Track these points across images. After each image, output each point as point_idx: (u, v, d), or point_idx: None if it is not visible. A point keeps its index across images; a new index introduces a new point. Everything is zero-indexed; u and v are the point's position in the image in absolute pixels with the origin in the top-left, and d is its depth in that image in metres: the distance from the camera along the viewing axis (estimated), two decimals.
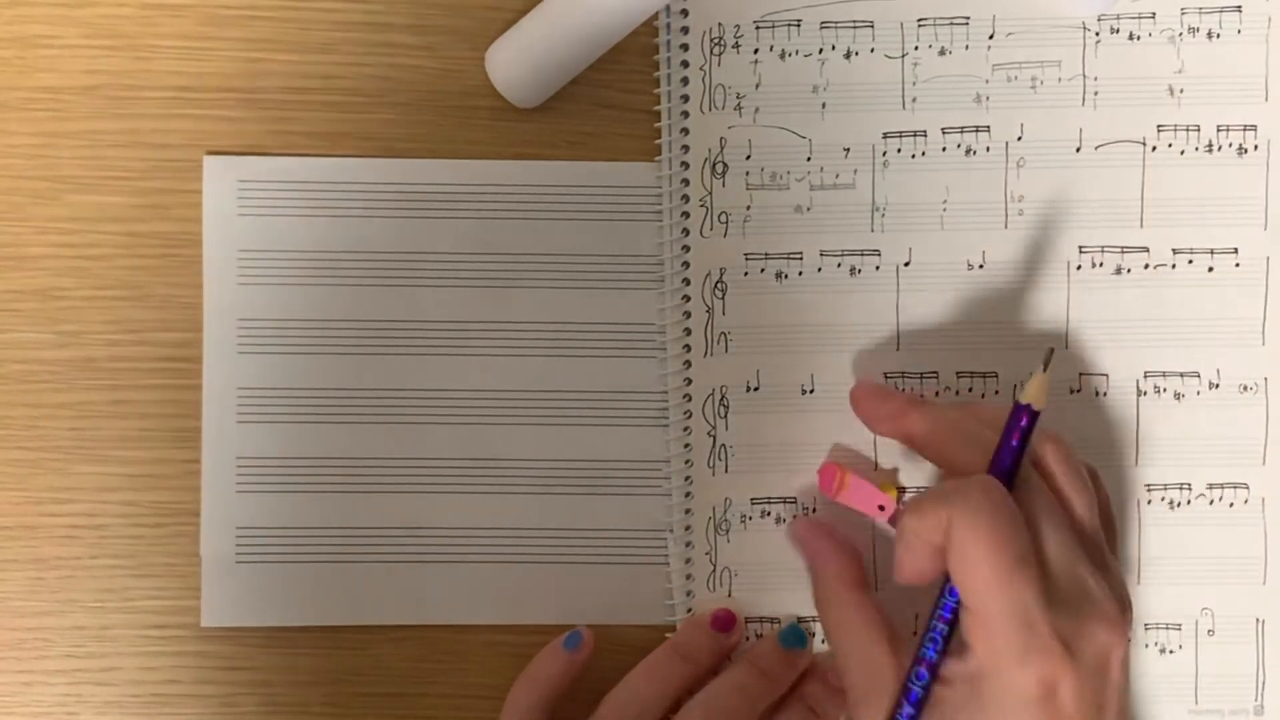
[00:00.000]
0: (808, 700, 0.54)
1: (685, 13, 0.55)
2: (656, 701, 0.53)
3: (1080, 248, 0.55)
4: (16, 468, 0.55)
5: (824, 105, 0.56)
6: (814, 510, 0.55)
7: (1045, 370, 0.49)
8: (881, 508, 0.53)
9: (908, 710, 0.48)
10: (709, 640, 0.54)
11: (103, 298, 0.55)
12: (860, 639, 0.51)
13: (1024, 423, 0.49)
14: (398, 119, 0.56)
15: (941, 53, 0.55)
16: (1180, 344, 0.55)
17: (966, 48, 0.55)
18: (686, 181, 0.55)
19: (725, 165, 0.55)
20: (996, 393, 0.55)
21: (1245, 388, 0.56)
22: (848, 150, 0.55)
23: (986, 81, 0.55)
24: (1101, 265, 0.55)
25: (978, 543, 0.46)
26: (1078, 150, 0.55)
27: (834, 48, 0.55)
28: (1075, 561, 0.47)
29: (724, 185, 0.56)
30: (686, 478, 0.55)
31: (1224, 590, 0.56)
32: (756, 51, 0.55)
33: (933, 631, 0.48)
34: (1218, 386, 0.56)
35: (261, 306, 0.55)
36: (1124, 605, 0.48)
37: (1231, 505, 0.55)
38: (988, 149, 0.56)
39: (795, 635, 0.54)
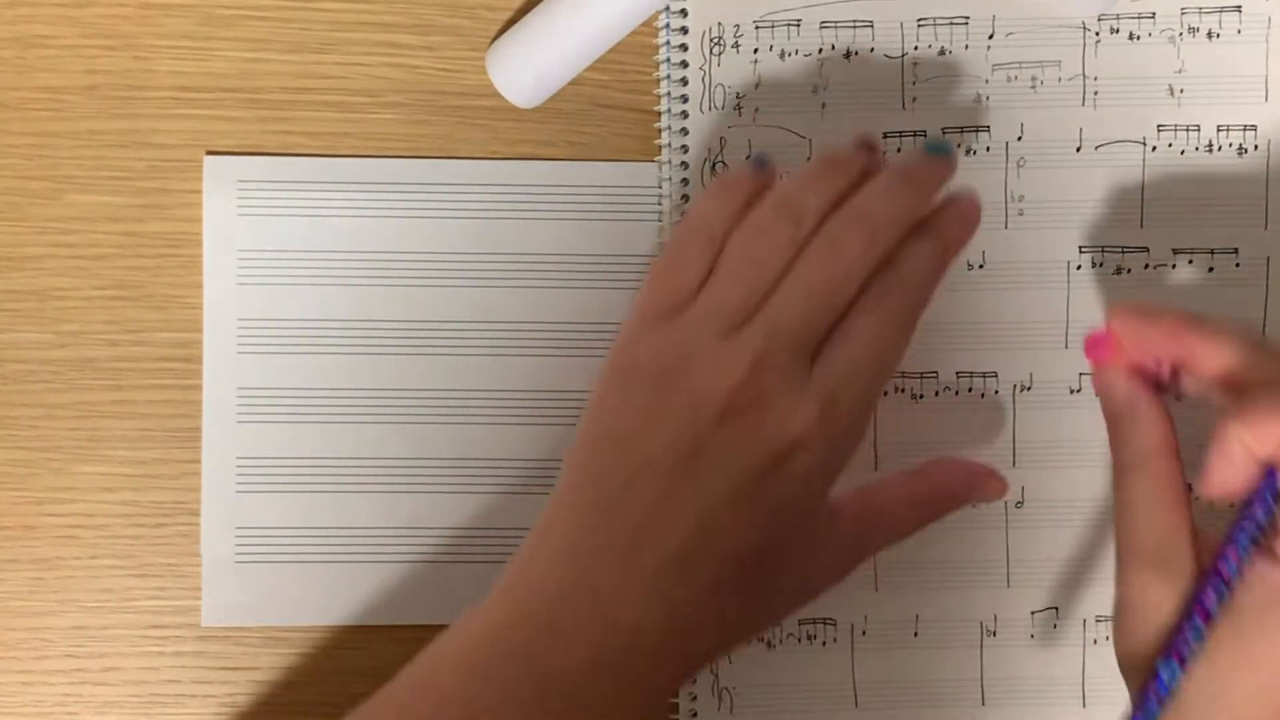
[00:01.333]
0: (933, 231, 0.50)
1: (685, 13, 0.55)
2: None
3: (1080, 248, 0.55)
4: (16, 468, 0.55)
5: (824, 105, 0.55)
6: None
7: None
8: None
9: (1196, 623, 0.45)
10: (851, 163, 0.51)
11: (103, 298, 0.55)
12: (1155, 510, 0.47)
13: None
14: (398, 119, 0.56)
15: (941, 53, 0.55)
16: None
17: (966, 48, 0.55)
18: (686, 181, 0.55)
19: (725, 165, 0.55)
20: (996, 392, 0.55)
21: None
22: None
23: (986, 81, 0.55)
24: (1101, 265, 0.55)
25: None
26: (1078, 150, 0.56)
27: (834, 47, 0.55)
28: None
29: None
30: None
31: None
32: (756, 51, 0.55)
33: (1235, 544, 0.46)
34: None
35: (261, 306, 0.55)
36: None
37: (1232, 505, 0.55)
38: (988, 149, 0.56)
39: (941, 145, 0.52)
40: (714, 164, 0.55)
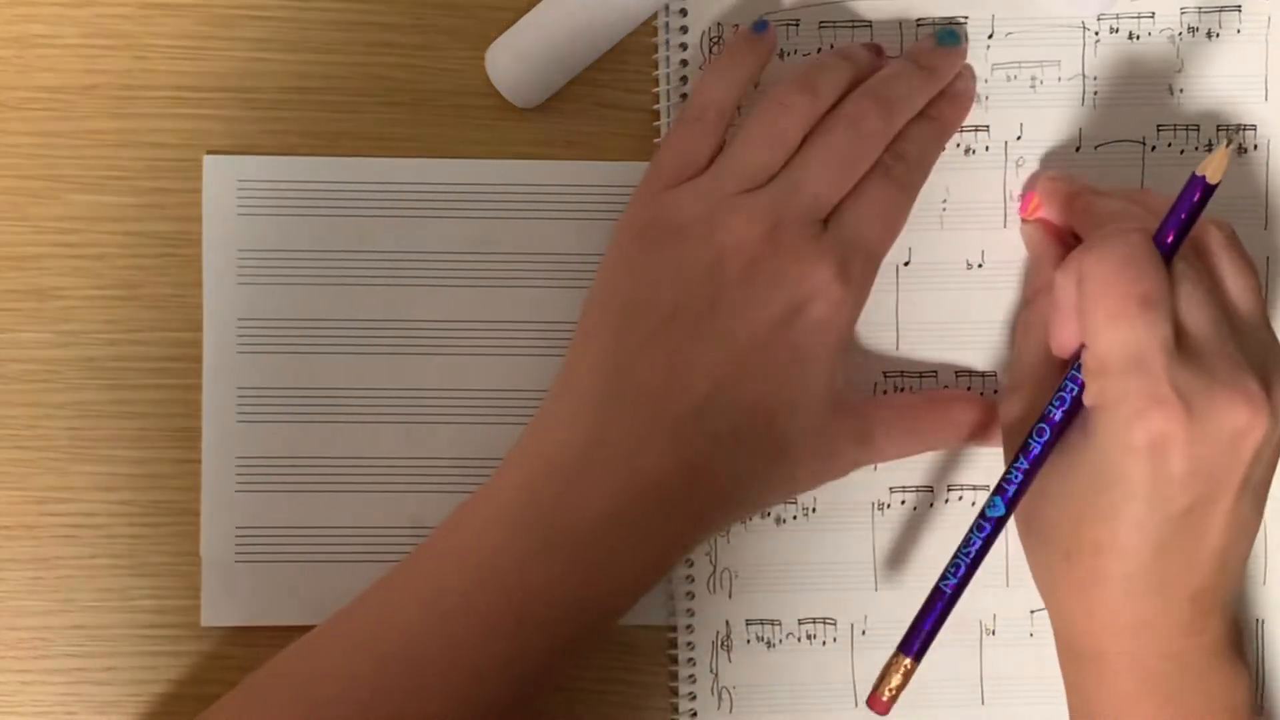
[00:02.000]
0: (932, 114, 0.54)
1: (685, 13, 0.55)
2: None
3: None
4: (16, 468, 0.55)
5: None
6: (814, 510, 0.55)
7: (1228, 146, 0.48)
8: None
9: (1024, 464, 0.48)
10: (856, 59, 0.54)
11: (102, 298, 0.55)
12: (1034, 339, 0.51)
13: (1196, 196, 0.47)
14: (398, 119, 0.56)
15: None
16: None
17: (968, 42, 0.55)
18: None
19: None
20: (996, 392, 0.55)
21: None
22: None
23: (986, 81, 0.55)
24: None
25: (1102, 276, 0.46)
26: (1078, 150, 0.56)
27: (832, 47, 0.55)
28: (1225, 336, 0.46)
29: None
30: None
31: None
32: None
33: (1062, 392, 0.48)
34: None
35: (261, 306, 0.55)
36: (1275, 394, 0.45)
37: None
38: (987, 149, 0.56)
39: (951, 35, 0.55)
40: None
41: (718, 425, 0.49)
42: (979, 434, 0.54)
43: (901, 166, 0.52)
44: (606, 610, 0.49)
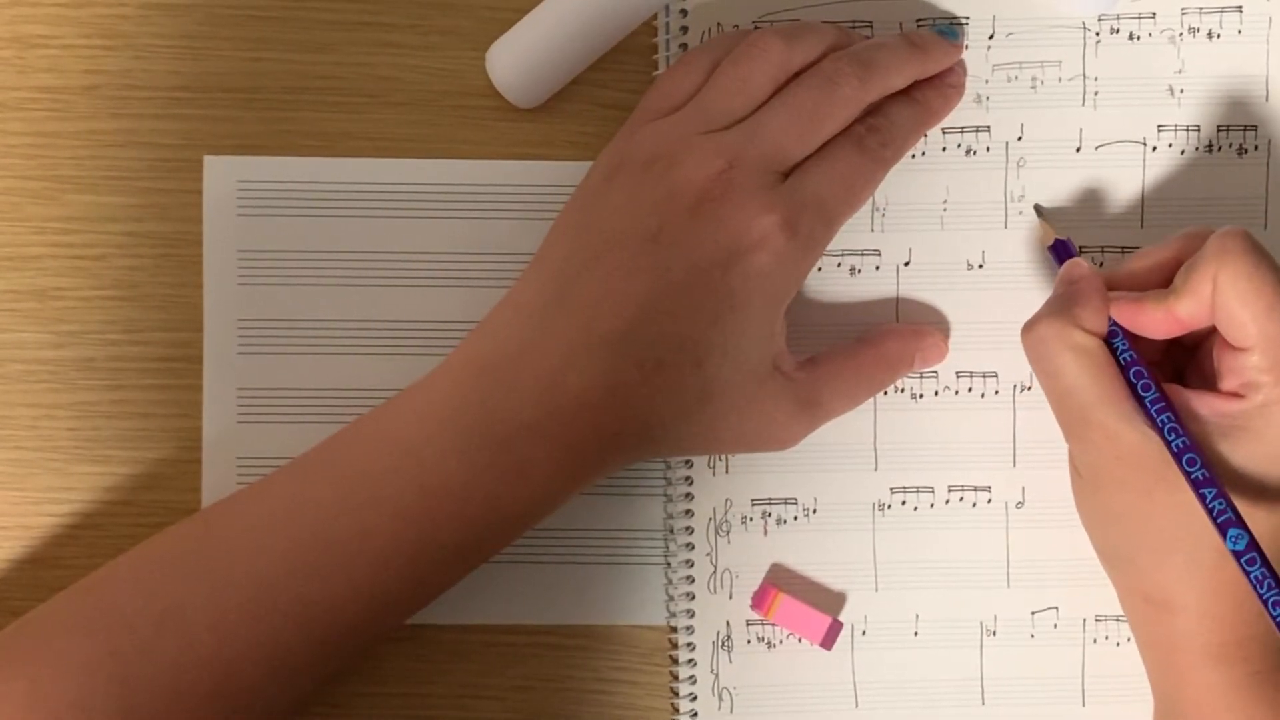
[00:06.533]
0: (918, 98, 0.54)
1: (685, 13, 0.55)
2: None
3: (1080, 248, 0.55)
4: (16, 468, 0.55)
5: None
6: (814, 510, 0.55)
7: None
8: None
9: (1212, 495, 0.47)
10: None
11: (102, 298, 0.55)
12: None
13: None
14: (398, 119, 0.56)
15: None
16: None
17: (966, 48, 0.55)
18: None
19: None
20: (996, 393, 0.55)
21: None
22: None
23: (986, 81, 0.55)
24: (1102, 265, 0.55)
25: (1258, 278, 0.48)
26: (1078, 150, 0.56)
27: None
28: None
29: None
30: (686, 478, 0.55)
31: None
32: None
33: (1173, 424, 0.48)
34: None
35: (261, 306, 0.55)
36: None
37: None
38: (988, 149, 0.56)
39: (951, 30, 0.55)
40: None
41: (643, 355, 0.49)
42: (912, 362, 0.55)
43: (874, 139, 0.52)
44: (516, 516, 0.50)
